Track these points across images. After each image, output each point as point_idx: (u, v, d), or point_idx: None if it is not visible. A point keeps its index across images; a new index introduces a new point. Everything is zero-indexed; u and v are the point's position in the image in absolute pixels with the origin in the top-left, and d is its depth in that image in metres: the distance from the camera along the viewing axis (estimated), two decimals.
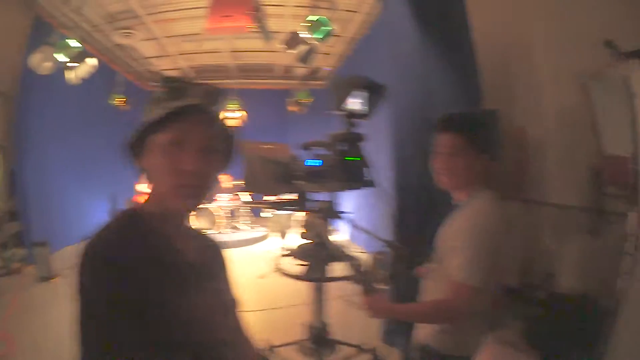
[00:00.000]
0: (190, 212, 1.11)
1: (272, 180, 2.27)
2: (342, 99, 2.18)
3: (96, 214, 9.81)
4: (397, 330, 3.79)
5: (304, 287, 2.71)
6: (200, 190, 1.02)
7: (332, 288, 2.74)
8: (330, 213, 2.32)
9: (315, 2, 5.70)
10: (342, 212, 2.39)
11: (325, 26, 5.32)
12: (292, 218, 8.99)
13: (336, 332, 3.30)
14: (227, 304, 1.20)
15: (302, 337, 2.60)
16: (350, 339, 3.57)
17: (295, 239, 8.75)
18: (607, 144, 3.60)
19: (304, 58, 5.83)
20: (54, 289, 5.87)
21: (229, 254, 1.32)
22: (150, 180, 1.06)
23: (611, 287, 3.26)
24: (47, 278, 6.17)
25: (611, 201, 3.66)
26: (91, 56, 6.42)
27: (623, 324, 2.77)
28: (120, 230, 0.97)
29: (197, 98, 1.04)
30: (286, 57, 9.33)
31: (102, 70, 8.54)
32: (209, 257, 1.19)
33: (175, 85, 1.06)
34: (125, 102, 9.43)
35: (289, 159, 2.35)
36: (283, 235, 8.28)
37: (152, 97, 1.07)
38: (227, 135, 1.11)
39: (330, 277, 2.36)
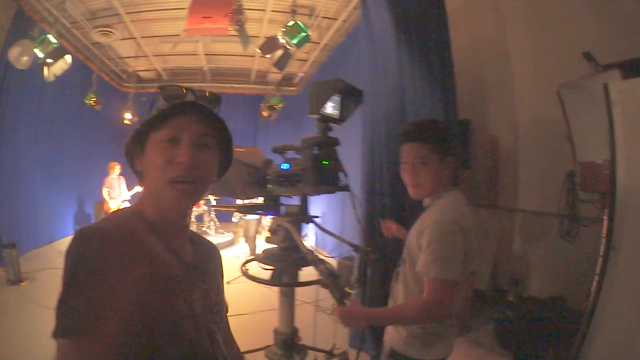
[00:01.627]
0: (185, 211, 1.13)
1: (245, 184, 2.23)
2: (321, 103, 2.14)
3: (64, 217, 9.57)
4: (366, 335, 3.79)
5: (272, 293, 2.66)
6: (194, 186, 1.03)
7: (300, 293, 2.71)
8: (300, 217, 2.29)
9: (294, 8, 5.64)
10: (311, 216, 2.36)
11: (302, 32, 5.28)
12: (261, 223, 8.89)
13: (305, 337, 3.28)
14: (218, 305, 1.20)
15: (270, 343, 2.54)
16: (319, 344, 3.55)
17: (262, 244, 8.74)
18: (581, 151, 3.68)
19: (279, 63, 5.78)
20: (22, 293, 5.71)
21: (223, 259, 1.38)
22: (146, 181, 1.09)
23: (584, 290, 3.35)
24: (15, 281, 6.00)
25: (584, 206, 3.76)
26: (68, 53, 6.28)
27: (596, 324, 2.83)
28: (117, 223, 1.01)
29: (187, 99, 1.08)
30: (261, 62, 9.39)
31: (79, 69, 8.42)
32: (206, 259, 1.23)
33: (172, 91, 1.10)
34: (96, 102, 9.20)
35: (262, 163, 2.31)
36: (251, 240, 8.21)
37: (154, 105, 1.11)
38: (222, 134, 1.12)
39: (299, 282, 2.32)
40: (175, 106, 1.03)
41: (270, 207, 2.44)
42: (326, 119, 2.19)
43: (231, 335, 1.32)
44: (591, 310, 2.90)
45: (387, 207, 3.67)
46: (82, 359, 0.84)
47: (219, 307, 1.19)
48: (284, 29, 5.32)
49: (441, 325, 1.90)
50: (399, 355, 1.95)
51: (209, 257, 1.27)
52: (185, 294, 1.04)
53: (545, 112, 4.45)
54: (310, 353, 3.25)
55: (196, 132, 1.04)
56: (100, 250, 0.89)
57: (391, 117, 3.77)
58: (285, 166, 2.22)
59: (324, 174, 2.11)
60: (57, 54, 6.06)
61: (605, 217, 3.14)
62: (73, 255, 0.89)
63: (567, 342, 3.18)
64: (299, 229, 2.28)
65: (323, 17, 7.28)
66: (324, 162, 2.11)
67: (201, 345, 1.04)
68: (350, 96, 2.27)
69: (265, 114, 10.48)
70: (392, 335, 2.02)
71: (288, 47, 5.43)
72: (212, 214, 10.11)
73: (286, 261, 2.21)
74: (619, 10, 3.78)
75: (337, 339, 3.51)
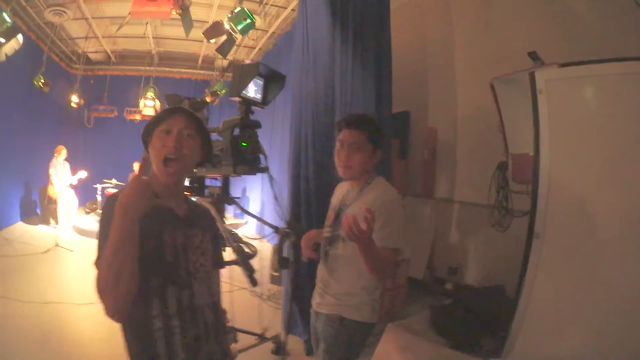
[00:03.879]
0: (175, 181, 1.53)
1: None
2: (242, 86, 2.19)
3: (11, 203, 9.22)
4: (298, 319, 3.84)
5: None
6: (179, 163, 1.46)
7: (239, 280, 2.72)
8: (220, 198, 2.32)
9: None
10: (232, 197, 2.40)
11: (247, 18, 5.24)
12: None
13: (239, 321, 3.32)
14: (204, 250, 1.58)
15: None
16: (253, 327, 3.61)
17: None
18: (513, 143, 3.77)
19: (222, 49, 5.74)
20: None
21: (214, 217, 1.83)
22: (152, 159, 1.49)
23: (516, 278, 3.43)
24: None
25: (518, 198, 3.85)
26: (20, 32, 6.09)
27: (522, 309, 2.90)
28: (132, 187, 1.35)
29: (183, 104, 1.62)
30: (209, 48, 9.31)
31: (29, 48, 8.08)
32: (196, 215, 1.64)
33: (174, 98, 1.74)
34: (45, 83, 8.91)
35: None
36: None
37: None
38: (202, 129, 1.56)
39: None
40: (169, 110, 1.53)
41: (195, 188, 2.47)
42: (248, 102, 2.24)
43: (215, 279, 1.70)
44: (516, 296, 2.99)
45: (313, 191, 3.70)
46: (110, 274, 1.24)
47: (203, 250, 1.56)
48: (230, 15, 5.28)
49: (375, 292, 2.12)
50: (350, 320, 2.09)
51: (199, 215, 1.67)
52: (170, 233, 1.46)
53: (484, 106, 4.56)
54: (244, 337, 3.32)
55: (181, 126, 1.48)
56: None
57: (320, 104, 3.78)
58: None
59: (242, 155, 2.15)
60: (9, 33, 5.87)
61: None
62: (101, 215, 1.40)
63: (506, 329, 3.28)
64: (220, 210, 2.32)
65: (273, 4, 7.30)
66: (243, 144, 2.15)
67: (178, 268, 1.45)
68: (273, 80, 2.32)
69: (208, 99, 10.39)
70: (337, 306, 2.15)
71: (233, 33, 5.39)
72: None
73: None
74: (567, 11, 3.90)
75: (273, 324, 3.60)
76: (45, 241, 7.51)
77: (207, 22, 7.65)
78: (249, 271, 1.84)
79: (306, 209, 3.78)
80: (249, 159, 2.18)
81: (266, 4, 7.06)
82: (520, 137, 3.69)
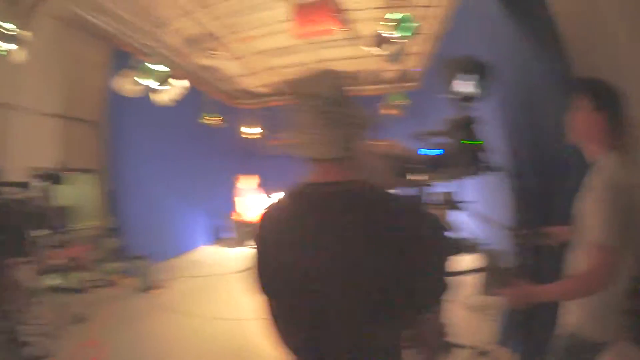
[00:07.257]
0: None
1: (394, 175, 2.16)
2: (452, 80, 2.04)
3: (195, 228, 10.23)
4: (513, 331, 3.54)
5: None
6: None
7: None
8: (452, 204, 2.18)
9: (390, 2, 5.50)
10: (464, 202, 2.24)
11: (409, 22, 5.15)
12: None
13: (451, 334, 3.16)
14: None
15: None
16: (464, 341, 3.41)
17: None
18: None
19: (395, 57, 5.65)
20: (151, 300, 6.13)
21: None
22: None
23: None
24: (146, 289, 6.53)
25: None
26: (177, 78, 6.67)
27: None
28: None
29: None
30: (372, 63, 9.07)
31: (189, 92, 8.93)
32: None
33: None
34: (222, 120, 10.09)
35: (408, 152, 2.23)
36: None
37: None
38: None
39: (460, 271, 2.18)
40: None
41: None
42: (462, 98, 2.08)
43: None
44: None
45: (536, 184, 3.31)
46: None
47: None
48: (387, 23, 5.22)
49: (612, 300, 1.75)
50: (576, 337, 1.81)
51: None
52: None
53: None
54: None
55: None
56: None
57: (520, 90, 3.41)
58: (425, 151, 2.14)
59: (469, 155, 1.99)
60: (166, 80, 6.50)
61: None
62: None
63: None
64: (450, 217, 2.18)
65: (420, 5, 6.78)
66: (465, 142, 1.99)
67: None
68: (483, 72, 2.14)
69: (386, 112, 10.12)
70: (569, 318, 1.87)
71: (398, 40, 5.30)
72: None
73: None
74: None
75: (486, 336, 3.37)
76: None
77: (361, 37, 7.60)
78: (506, 276, 1.66)
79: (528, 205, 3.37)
80: (476, 159, 2.01)
81: (413, 7, 6.69)
82: None
